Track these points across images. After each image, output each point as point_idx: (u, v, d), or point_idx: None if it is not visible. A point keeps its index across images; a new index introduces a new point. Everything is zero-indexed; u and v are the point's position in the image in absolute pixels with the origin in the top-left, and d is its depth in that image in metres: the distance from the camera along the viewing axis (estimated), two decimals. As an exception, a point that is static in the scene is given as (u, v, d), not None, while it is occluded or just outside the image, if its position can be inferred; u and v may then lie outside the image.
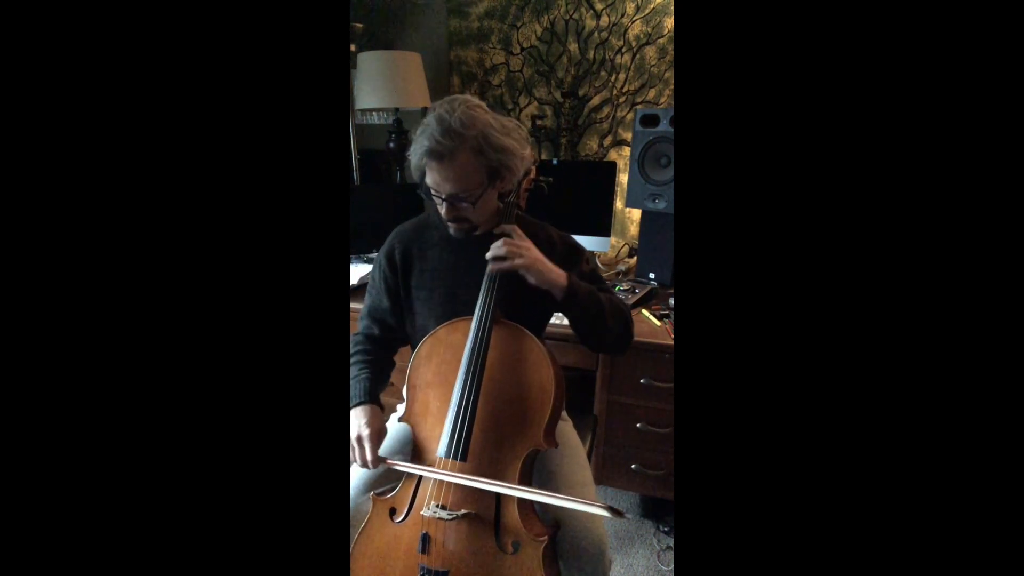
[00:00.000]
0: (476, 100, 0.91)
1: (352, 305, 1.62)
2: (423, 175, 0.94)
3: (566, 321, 1.45)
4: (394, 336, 1.11)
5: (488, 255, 0.92)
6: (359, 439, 0.91)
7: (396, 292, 1.07)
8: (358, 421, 0.93)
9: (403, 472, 0.93)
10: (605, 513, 0.74)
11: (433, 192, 0.94)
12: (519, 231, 0.96)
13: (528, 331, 0.92)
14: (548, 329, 1.15)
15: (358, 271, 1.76)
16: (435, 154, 0.87)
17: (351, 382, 1.00)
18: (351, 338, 1.09)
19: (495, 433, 0.89)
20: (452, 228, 0.99)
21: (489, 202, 0.97)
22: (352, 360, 1.05)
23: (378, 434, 0.92)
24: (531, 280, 0.93)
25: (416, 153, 0.90)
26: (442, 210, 0.96)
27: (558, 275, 0.94)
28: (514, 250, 0.91)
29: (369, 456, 0.90)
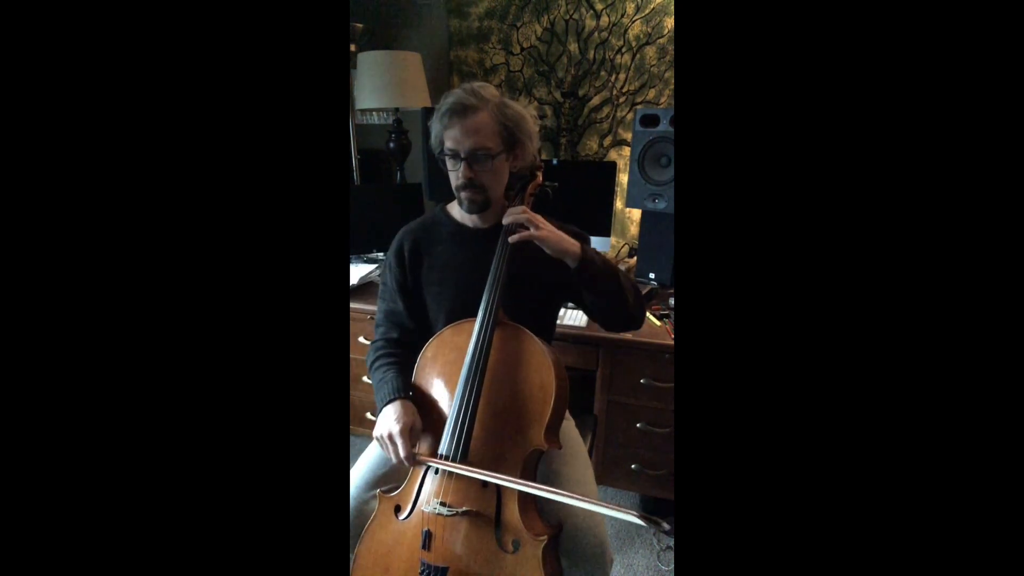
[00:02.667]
0: (490, 85, 0.99)
1: (352, 305, 1.62)
2: (442, 148, 0.97)
3: (567, 321, 1.47)
4: (413, 336, 1.09)
5: (505, 221, 0.94)
6: (390, 436, 0.89)
7: (409, 290, 1.08)
8: (390, 418, 0.91)
9: (407, 471, 0.94)
10: (636, 520, 0.72)
11: (451, 154, 0.96)
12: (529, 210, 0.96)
13: (531, 332, 0.93)
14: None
15: (358, 271, 1.76)
16: (459, 108, 0.93)
17: (379, 384, 0.99)
18: (371, 345, 1.09)
19: (496, 433, 0.89)
20: (466, 199, 0.99)
21: (502, 175, 1.00)
22: (376, 365, 1.04)
23: (410, 429, 0.90)
24: (547, 250, 0.93)
25: (438, 117, 0.95)
26: (459, 175, 0.97)
27: (572, 243, 0.94)
28: (530, 219, 0.92)
29: (403, 452, 0.88)
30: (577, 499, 0.86)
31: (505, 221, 0.94)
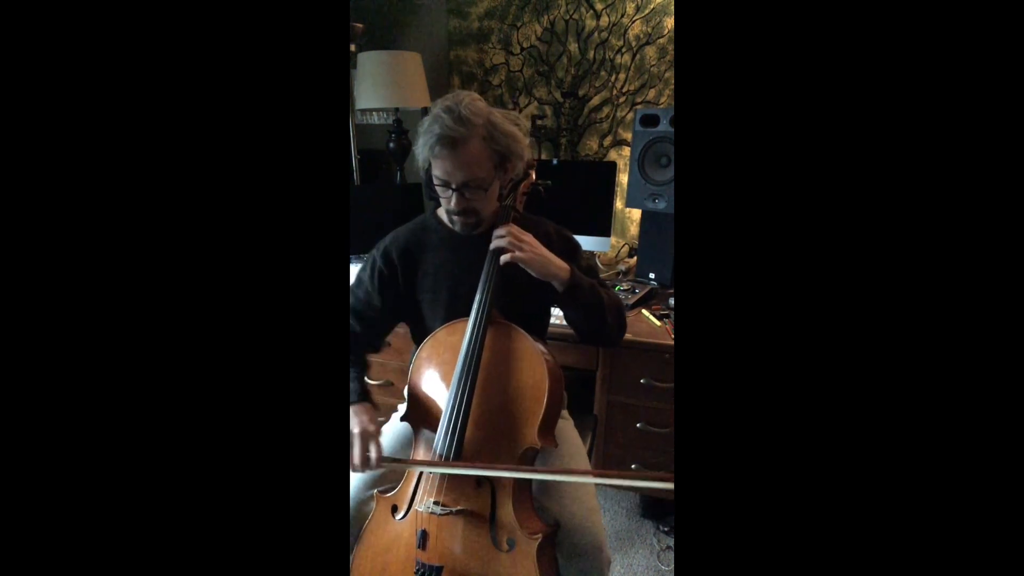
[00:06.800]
0: (476, 94, 0.93)
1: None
2: (428, 169, 0.94)
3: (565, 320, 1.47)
4: (375, 334, 1.10)
5: (492, 246, 0.94)
6: (361, 437, 0.89)
7: (393, 290, 1.06)
8: (355, 420, 0.91)
9: (404, 470, 0.94)
10: (589, 480, 0.74)
11: (440, 183, 0.94)
12: (517, 227, 0.96)
13: (523, 331, 0.93)
14: (550, 330, 1.15)
15: (358, 271, 1.76)
16: (447, 141, 0.88)
17: None
18: None
19: (490, 431, 0.89)
20: (459, 222, 0.99)
21: (494, 194, 0.99)
22: None
23: (376, 435, 0.91)
24: (533, 273, 0.93)
25: (425, 144, 0.90)
26: (451, 203, 0.95)
27: (560, 267, 0.94)
28: (515, 241, 0.92)
29: (373, 455, 0.88)
30: (562, 475, 0.88)
31: (492, 247, 0.94)
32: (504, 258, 0.91)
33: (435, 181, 0.94)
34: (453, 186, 0.92)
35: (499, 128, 0.92)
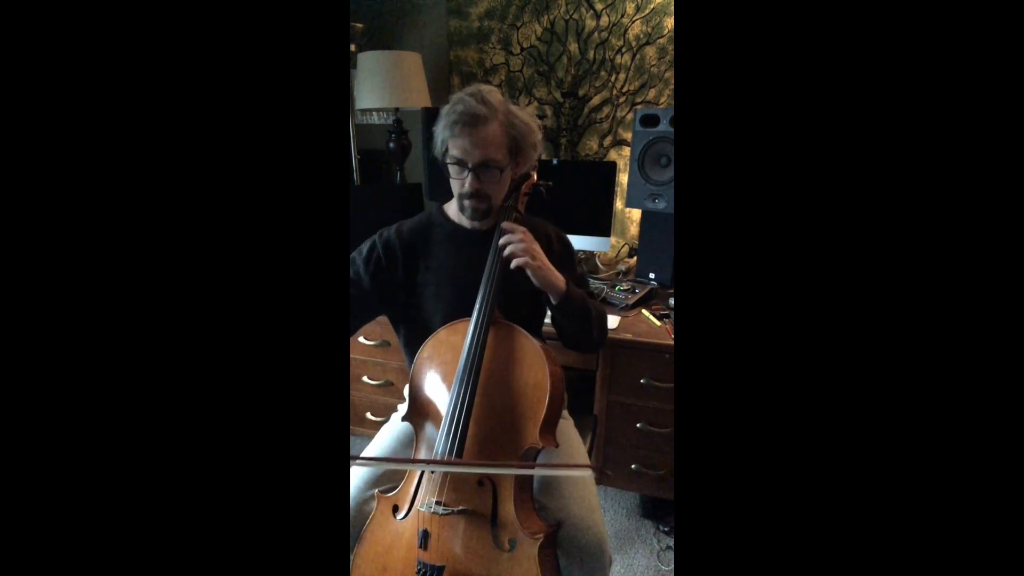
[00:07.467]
0: (495, 87, 0.98)
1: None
2: (444, 153, 0.97)
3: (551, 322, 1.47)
4: (353, 315, 1.06)
5: (501, 242, 0.95)
6: None
7: (385, 279, 1.06)
8: None
9: (405, 471, 0.94)
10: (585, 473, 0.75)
11: (457, 162, 0.96)
12: (529, 233, 0.97)
13: (525, 331, 0.94)
14: (548, 329, 1.16)
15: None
16: (469, 118, 0.92)
17: None
18: None
19: (491, 431, 0.89)
20: (469, 206, 1.00)
21: (506, 184, 1.01)
22: None
23: None
24: (534, 281, 0.96)
25: (447, 124, 0.94)
26: (465, 184, 0.97)
27: (558, 279, 0.98)
28: (528, 248, 0.95)
29: None
30: (550, 468, 0.88)
31: (502, 242, 0.96)
32: (515, 263, 0.93)
33: (450, 161, 0.96)
34: (470, 165, 0.95)
35: (516, 116, 0.96)
